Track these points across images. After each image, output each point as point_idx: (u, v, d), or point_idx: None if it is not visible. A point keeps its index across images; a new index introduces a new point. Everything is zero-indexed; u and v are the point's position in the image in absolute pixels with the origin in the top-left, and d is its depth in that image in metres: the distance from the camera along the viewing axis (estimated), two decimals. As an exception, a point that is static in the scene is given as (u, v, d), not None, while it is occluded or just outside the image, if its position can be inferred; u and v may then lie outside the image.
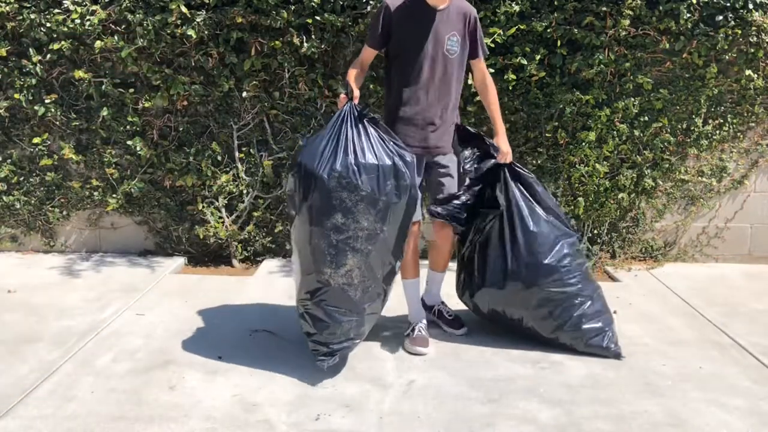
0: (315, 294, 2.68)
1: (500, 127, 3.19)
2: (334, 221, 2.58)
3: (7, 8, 4.15)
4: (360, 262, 2.65)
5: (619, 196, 4.37)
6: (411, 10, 2.90)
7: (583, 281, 3.05)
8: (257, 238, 4.49)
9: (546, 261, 2.98)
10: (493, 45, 4.05)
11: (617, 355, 3.01)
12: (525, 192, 3.09)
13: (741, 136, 4.43)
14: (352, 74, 2.96)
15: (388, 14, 2.91)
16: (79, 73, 4.21)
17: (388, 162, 2.63)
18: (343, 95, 2.75)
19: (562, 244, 3.04)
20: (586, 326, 3.01)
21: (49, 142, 4.44)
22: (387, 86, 3.09)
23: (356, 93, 2.73)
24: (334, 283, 2.65)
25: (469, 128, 3.19)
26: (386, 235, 2.67)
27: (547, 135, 4.31)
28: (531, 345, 3.10)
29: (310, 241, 2.63)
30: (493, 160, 3.10)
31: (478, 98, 4.14)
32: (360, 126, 2.65)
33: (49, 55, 4.23)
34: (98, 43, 4.13)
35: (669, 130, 4.35)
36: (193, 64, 4.19)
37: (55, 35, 4.19)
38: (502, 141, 3.16)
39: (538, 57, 4.09)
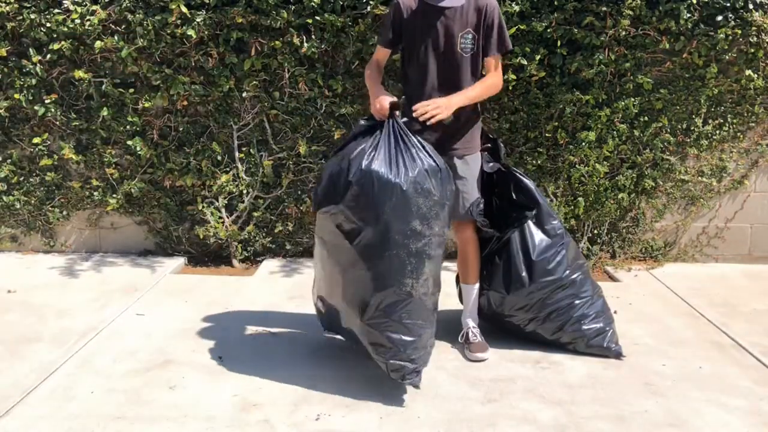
0: (395, 309, 2.55)
1: (458, 94, 2.79)
2: (413, 228, 2.52)
3: (7, 8, 4.15)
4: (433, 269, 2.63)
5: (619, 196, 4.37)
6: (421, 8, 2.84)
7: (583, 282, 3.06)
8: (257, 238, 4.49)
9: (549, 267, 2.98)
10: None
11: (618, 355, 3.01)
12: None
13: (741, 136, 4.43)
14: (374, 79, 2.86)
15: (399, 13, 2.86)
16: (79, 73, 4.21)
17: (444, 166, 2.66)
18: (388, 103, 2.65)
19: (562, 245, 3.04)
20: (586, 326, 3.01)
21: (49, 142, 4.44)
22: (403, 86, 3.03)
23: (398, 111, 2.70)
24: (416, 294, 2.57)
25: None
26: (446, 239, 2.69)
27: (547, 135, 4.31)
28: (531, 345, 3.10)
29: (386, 253, 2.52)
30: (497, 164, 3.08)
31: (478, 98, 4.15)
32: (413, 136, 2.64)
33: (49, 55, 4.23)
34: (98, 43, 4.13)
35: (669, 130, 4.35)
36: (193, 64, 4.19)
37: (55, 35, 4.19)
38: (441, 97, 2.76)
39: (538, 57, 4.09)
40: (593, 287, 3.10)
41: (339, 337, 2.83)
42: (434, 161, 2.62)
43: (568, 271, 3.01)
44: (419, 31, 2.86)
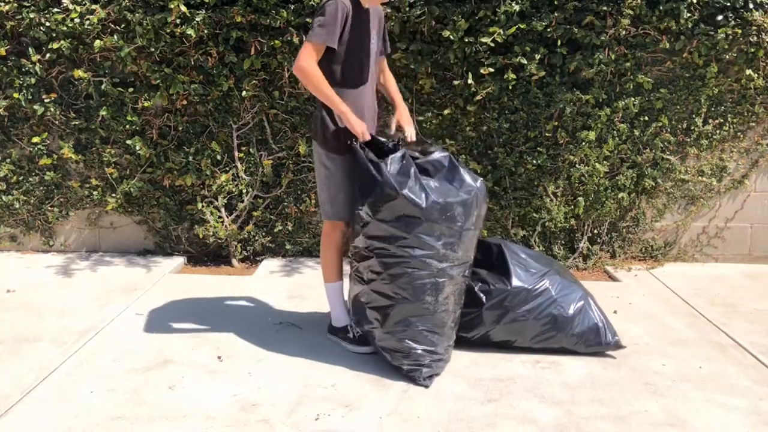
0: (414, 321, 2.76)
1: (401, 99, 3.16)
2: (435, 249, 2.73)
3: (7, 7, 4.15)
4: (455, 289, 2.82)
5: (619, 195, 4.37)
6: (356, 10, 2.86)
7: (563, 287, 3.04)
8: (257, 238, 4.49)
9: (517, 284, 2.99)
10: (493, 44, 4.05)
11: (618, 345, 3.00)
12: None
13: (741, 135, 4.43)
14: (331, 89, 2.84)
15: (345, 13, 2.82)
16: (79, 73, 4.20)
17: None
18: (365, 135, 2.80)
19: (530, 263, 3.09)
20: (579, 329, 2.99)
21: (48, 142, 4.43)
22: (333, 84, 2.92)
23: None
24: (437, 310, 2.77)
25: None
26: (470, 262, 2.96)
27: (547, 134, 4.31)
28: (531, 345, 3.10)
29: (407, 271, 2.71)
30: None
31: (477, 97, 4.15)
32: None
33: (48, 55, 4.22)
34: (97, 43, 4.12)
35: (669, 129, 4.34)
36: (193, 63, 4.18)
37: (54, 34, 4.18)
38: (404, 114, 3.09)
39: (538, 56, 4.09)
40: (574, 288, 3.07)
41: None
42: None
43: (543, 282, 3.03)
44: (358, 31, 2.87)
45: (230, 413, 2.51)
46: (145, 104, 4.25)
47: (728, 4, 4.08)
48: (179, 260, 4.45)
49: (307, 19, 4.06)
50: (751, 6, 4.09)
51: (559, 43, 4.11)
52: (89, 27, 4.12)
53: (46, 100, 4.29)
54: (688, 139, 4.38)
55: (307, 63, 2.78)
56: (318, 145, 2.97)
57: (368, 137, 2.81)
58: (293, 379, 2.78)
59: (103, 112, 4.25)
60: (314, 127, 2.98)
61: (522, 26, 4.06)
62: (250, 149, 4.38)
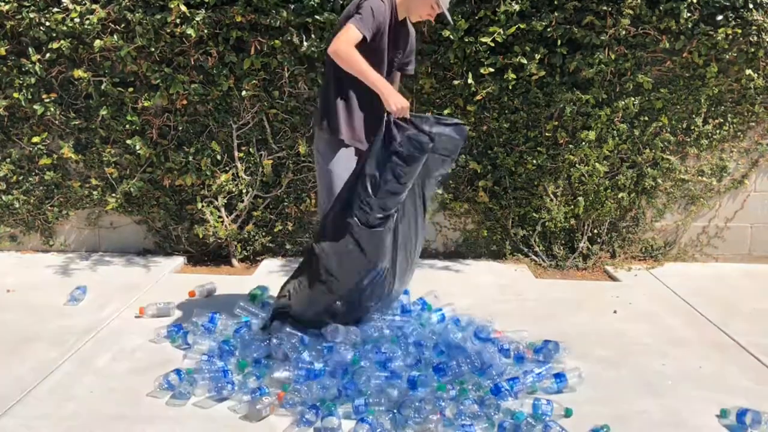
0: None
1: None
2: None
3: (7, 7, 4.15)
4: None
5: (619, 195, 4.37)
6: (390, 16, 2.94)
7: None
8: (257, 238, 4.49)
9: None
10: (493, 44, 4.05)
11: None
12: None
13: (741, 135, 4.43)
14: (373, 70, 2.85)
15: (384, 13, 2.89)
16: (79, 72, 4.20)
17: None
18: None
19: None
20: None
21: (48, 142, 4.43)
22: (342, 81, 2.99)
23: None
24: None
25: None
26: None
27: (547, 134, 4.30)
28: (531, 345, 3.09)
29: None
30: None
31: (477, 97, 4.15)
32: None
33: (48, 54, 4.22)
34: (97, 42, 4.12)
35: (669, 129, 4.34)
36: (193, 63, 4.18)
37: (54, 34, 4.18)
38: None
39: (538, 56, 4.09)
40: None
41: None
42: None
43: None
44: (385, 35, 2.95)
45: (230, 413, 2.51)
46: (145, 104, 4.25)
47: (728, 4, 4.08)
48: (179, 260, 4.45)
49: (307, 19, 4.07)
50: (751, 6, 4.09)
51: (559, 43, 4.11)
52: (89, 27, 4.12)
53: (46, 100, 4.29)
54: (688, 139, 4.38)
55: (351, 43, 2.83)
56: (325, 132, 2.99)
57: (406, 114, 2.80)
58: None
59: (103, 112, 4.25)
60: (320, 116, 3.02)
61: (522, 26, 4.06)
62: (250, 149, 4.38)
